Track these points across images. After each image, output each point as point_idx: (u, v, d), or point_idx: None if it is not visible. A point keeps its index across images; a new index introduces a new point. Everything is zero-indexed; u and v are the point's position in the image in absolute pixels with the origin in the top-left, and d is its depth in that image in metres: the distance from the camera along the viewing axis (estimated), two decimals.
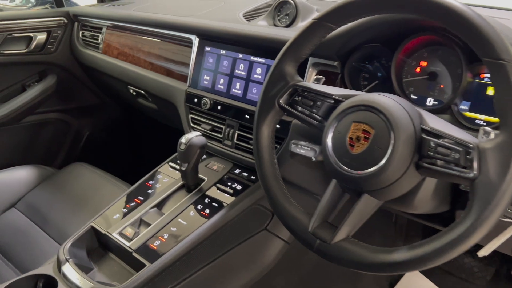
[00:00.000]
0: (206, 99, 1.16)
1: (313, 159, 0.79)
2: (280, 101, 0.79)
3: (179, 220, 0.97)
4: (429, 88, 0.88)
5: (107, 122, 1.89)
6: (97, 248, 1.00)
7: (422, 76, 0.88)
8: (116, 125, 1.94)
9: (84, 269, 0.92)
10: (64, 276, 0.88)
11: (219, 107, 1.15)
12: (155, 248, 0.91)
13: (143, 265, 0.88)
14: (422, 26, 0.83)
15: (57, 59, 1.64)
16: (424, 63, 0.88)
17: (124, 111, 1.93)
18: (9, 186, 1.41)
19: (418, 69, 0.89)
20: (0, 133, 1.56)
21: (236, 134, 1.12)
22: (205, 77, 1.19)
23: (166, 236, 0.94)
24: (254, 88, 1.08)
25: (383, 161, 0.63)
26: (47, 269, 0.92)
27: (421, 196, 0.68)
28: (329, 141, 0.70)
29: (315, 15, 0.79)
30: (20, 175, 1.45)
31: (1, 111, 1.51)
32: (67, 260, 0.91)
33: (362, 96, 0.69)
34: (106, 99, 1.85)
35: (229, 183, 1.06)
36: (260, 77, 1.07)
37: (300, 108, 0.77)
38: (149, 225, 0.98)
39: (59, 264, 0.91)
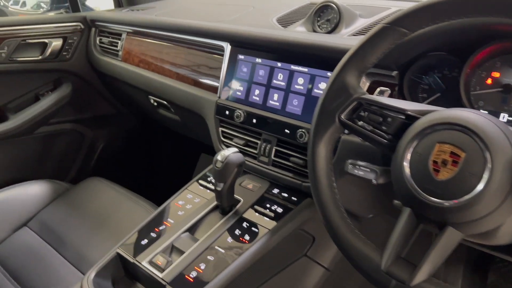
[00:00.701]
0: (239, 111, 1.07)
1: (374, 182, 0.70)
2: (342, 117, 0.69)
3: (216, 247, 0.87)
4: (503, 102, 0.78)
5: (123, 134, 1.79)
6: (123, 277, 0.90)
7: (495, 89, 0.78)
8: (133, 137, 1.84)
9: None
10: None
11: (254, 120, 1.05)
12: (192, 280, 0.81)
13: None
14: (499, 32, 0.74)
15: (72, 67, 1.55)
16: (496, 74, 0.78)
17: (141, 122, 1.84)
18: (21, 203, 1.31)
19: (489, 81, 0.79)
20: (12, 145, 1.46)
21: (273, 150, 1.02)
22: (238, 87, 1.09)
23: (203, 266, 0.83)
24: (294, 99, 0.99)
25: (477, 190, 0.53)
26: None
27: (509, 225, 0.58)
28: (405, 164, 0.60)
29: (380, 19, 0.70)
30: (33, 191, 1.35)
31: (14, 122, 1.42)
32: None
33: (445, 113, 0.59)
34: (123, 109, 1.75)
35: (268, 205, 0.96)
36: (302, 88, 0.97)
37: (365, 125, 0.68)
38: (182, 252, 0.87)
39: None
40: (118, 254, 0.90)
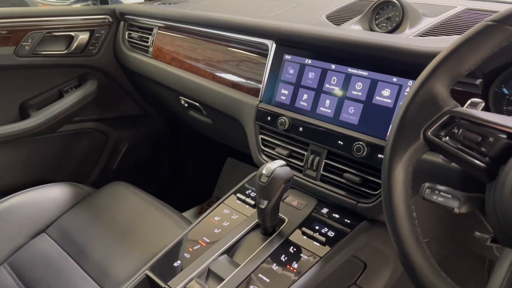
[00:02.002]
0: (284, 117, 0.95)
1: (456, 210, 0.58)
2: (428, 133, 0.57)
3: (260, 275, 0.76)
4: None
5: (148, 136, 1.69)
6: None
7: None
8: (158, 139, 1.73)
9: None
10: None
11: (300, 129, 0.93)
12: None
13: None
14: None
15: (99, 63, 1.46)
16: None
17: (169, 124, 1.73)
18: (40, 207, 1.22)
19: None
20: (32, 144, 1.37)
21: (322, 163, 0.90)
22: (283, 91, 0.98)
23: None
24: (351, 107, 0.86)
25: None
26: None
27: None
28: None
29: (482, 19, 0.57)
30: (53, 194, 1.26)
31: (36, 119, 1.33)
32: None
33: None
34: (150, 110, 1.65)
35: (317, 227, 0.84)
36: (360, 93, 0.85)
37: (457, 145, 0.56)
38: (221, 279, 0.76)
39: None
40: (148, 277, 0.79)
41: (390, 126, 0.61)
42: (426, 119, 0.57)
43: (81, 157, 1.52)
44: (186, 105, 1.34)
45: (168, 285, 0.76)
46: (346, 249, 0.80)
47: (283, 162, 0.80)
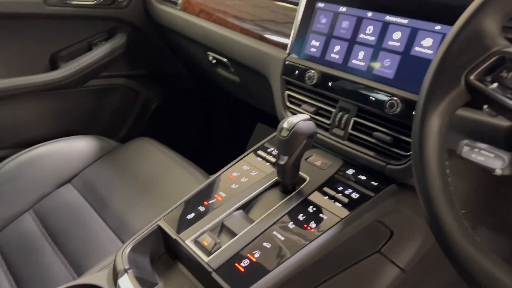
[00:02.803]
0: (313, 71, 0.88)
1: (498, 172, 0.51)
2: (471, 78, 0.49)
3: (275, 233, 0.71)
4: None
5: (179, 95, 1.66)
6: (163, 254, 0.77)
7: None
8: (188, 99, 1.70)
9: (146, 284, 0.70)
10: None
11: (330, 83, 0.86)
12: (243, 270, 0.66)
13: None
14: None
15: (128, 16, 1.42)
16: None
17: (199, 83, 1.69)
18: (66, 158, 1.23)
19: None
20: (61, 97, 1.38)
21: (351, 121, 0.83)
22: (313, 42, 0.90)
23: (257, 254, 0.68)
24: (386, 59, 0.78)
25: None
26: (100, 277, 0.70)
27: None
28: None
29: None
30: (79, 146, 1.26)
31: (65, 71, 1.32)
32: (125, 271, 0.68)
33: None
34: (180, 68, 1.61)
35: (341, 188, 0.78)
36: (397, 44, 0.76)
37: (506, 92, 0.47)
38: (234, 234, 0.73)
39: (115, 275, 0.69)
40: (160, 227, 0.77)
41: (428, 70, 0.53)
42: (470, 61, 0.49)
43: (110, 112, 1.52)
44: (214, 61, 1.29)
45: (180, 237, 0.73)
46: (371, 212, 0.74)
47: (306, 116, 0.74)
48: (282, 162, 0.75)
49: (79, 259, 0.94)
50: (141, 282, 0.69)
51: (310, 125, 0.73)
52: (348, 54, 0.84)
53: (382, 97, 0.77)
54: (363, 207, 0.73)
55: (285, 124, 0.73)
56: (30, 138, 1.30)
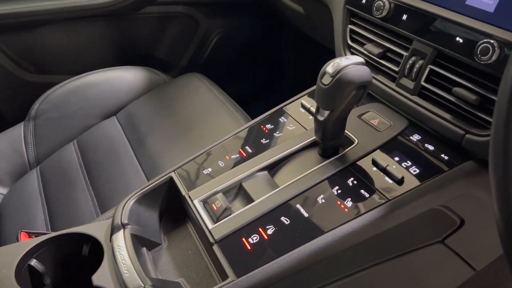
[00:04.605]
0: (384, 0, 0.66)
1: None
2: None
3: (298, 206, 0.57)
4: None
5: (243, 29, 1.49)
6: (176, 209, 0.67)
7: None
8: (253, 36, 1.52)
9: (147, 243, 0.61)
10: (113, 251, 0.57)
11: (404, 17, 0.64)
12: (249, 248, 0.53)
13: (225, 274, 0.52)
14: None
15: None
16: None
17: (264, 16, 1.49)
18: (114, 89, 1.17)
19: None
20: (114, 23, 1.29)
21: (426, 70, 0.61)
22: None
23: (270, 230, 0.54)
24: None
25: None
26: (101, 228, 0.63)
27: None
28: None
29: None
30: (129, 78, 1.19)
31: None
32: (123, 226, 0.59)
33: None
34: None
35: (397, 158, 0.60)
36: None
37: None
38: (250, 200, 0.60)
39: (112, 229, 0.61)
40: (172, 180, 0.66)
41: None
42: None
43: (167, 44, 1.41)
44: None
45: (189, 195, 0.62)
46: (435, 194, 0.55)
47: (360, 59, 0.55)
48: (321, 118, 0.59)
49: (105, 199, 0.89)
50: (140, 241, 0.60)
51: (363, 71, 0.55)
52: None
53: (473, 37, 0.54)
54: (426, 186, 0.55)
55: (329, 67, 0.55)
56: (80, 65, 1.26)
